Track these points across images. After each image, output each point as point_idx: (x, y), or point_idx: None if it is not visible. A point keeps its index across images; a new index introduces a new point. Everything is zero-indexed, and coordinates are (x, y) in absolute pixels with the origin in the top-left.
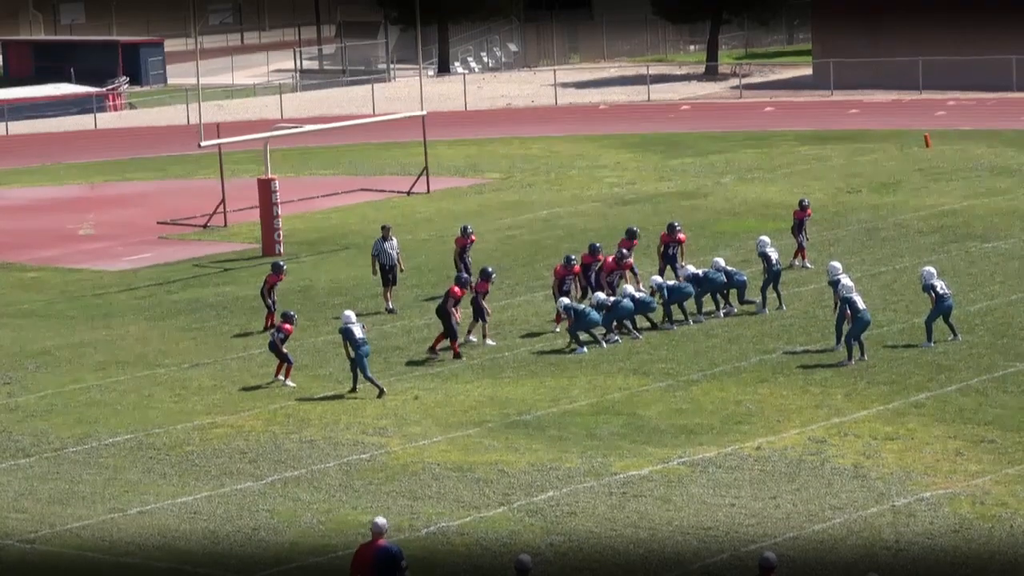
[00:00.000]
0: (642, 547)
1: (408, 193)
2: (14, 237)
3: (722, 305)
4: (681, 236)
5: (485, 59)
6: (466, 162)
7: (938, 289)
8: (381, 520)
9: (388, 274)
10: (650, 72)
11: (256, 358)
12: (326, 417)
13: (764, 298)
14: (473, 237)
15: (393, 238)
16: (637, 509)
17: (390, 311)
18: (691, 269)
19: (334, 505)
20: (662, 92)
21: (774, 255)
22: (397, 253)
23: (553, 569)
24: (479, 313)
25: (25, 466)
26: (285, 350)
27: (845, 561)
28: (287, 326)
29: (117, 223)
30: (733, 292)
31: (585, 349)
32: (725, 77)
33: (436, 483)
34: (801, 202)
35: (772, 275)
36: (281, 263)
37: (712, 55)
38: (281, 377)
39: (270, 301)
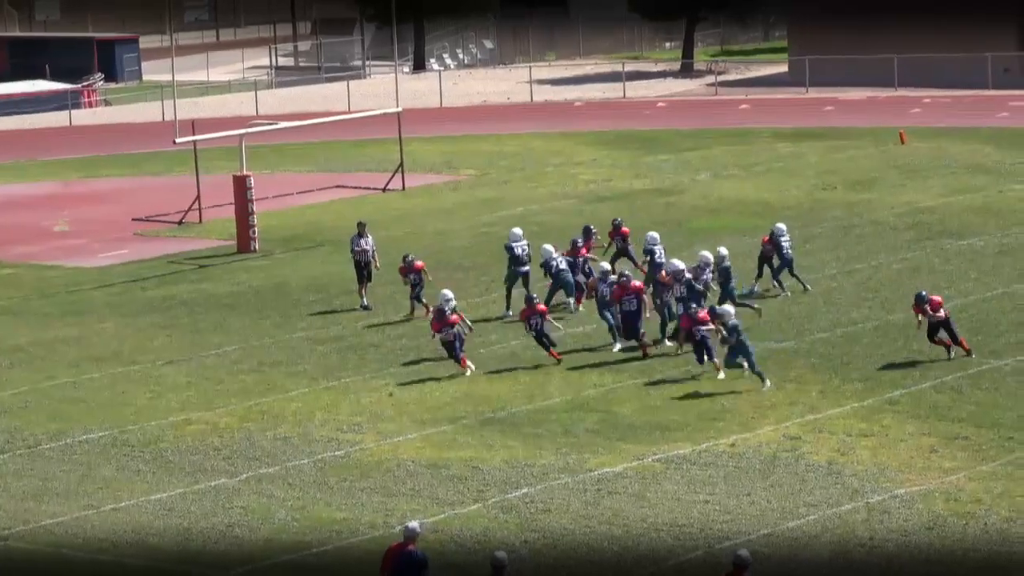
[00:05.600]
0: (616, 544)
1: (384, 190)
2: None
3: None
4: (624, 229)
5: (461, 56)
6: (442, 159)
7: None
8: (413, 524)
9: (363, 271)
10: (626, 69)
11: (230, 355)
12: (300, 414)
13: (781, 283)
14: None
15: (369, 235)
16: (611, 506)
17: (365, 308)
18: (678, 264)
19: (308, 502)
20: (638, 89)
21: (786, 243)
22: (372, 250)
23: (527, 566)
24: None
25: None
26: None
27: (819, 558)
28: (454, 317)
29: (92, 220)
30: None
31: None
32: (701, 74)
33: (411, 480)
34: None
35: (785, 262)
36: (409, 256)
37: (688, 52)
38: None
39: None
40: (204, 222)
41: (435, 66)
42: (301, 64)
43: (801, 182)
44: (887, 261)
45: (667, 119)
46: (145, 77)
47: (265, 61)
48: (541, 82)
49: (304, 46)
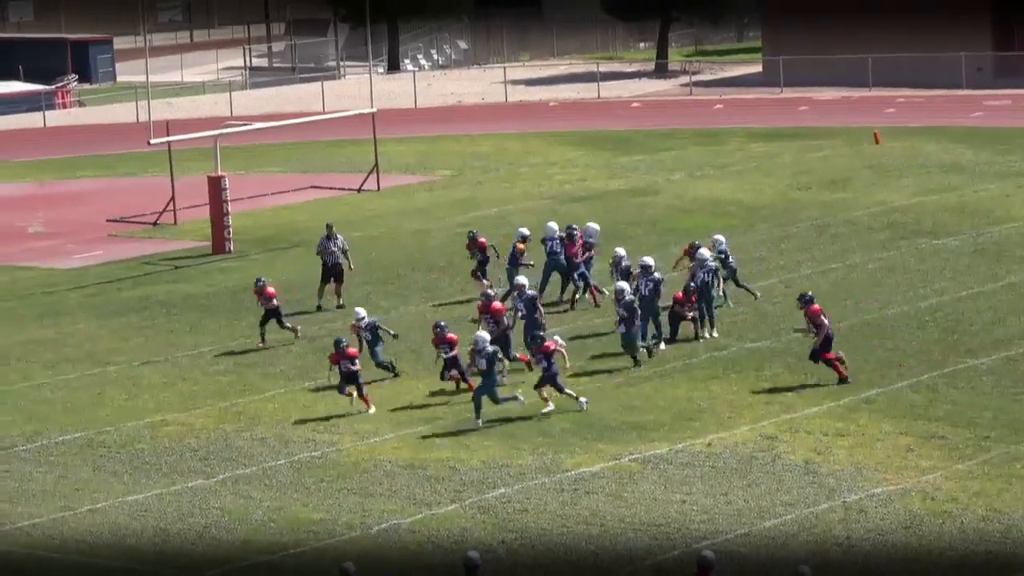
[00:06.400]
0: (594, 544)
1: (359, 191)
2: None
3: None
4: (481, 240)
5: (435, 57)
6: (416, 159)
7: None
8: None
9: (331, 272)
10: (600, 70)
11: (205, 356)
12: (277, 415)
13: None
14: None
15: (338, 236)
16: (589, 506)
17: (339, 307)
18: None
19: (285, 503)
20: (612, 89)
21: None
22: (343, 251)
23: (505, 566)
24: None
25: None
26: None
27: (796, 557)
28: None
29: (67, 221)
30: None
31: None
32: (675, 75)
33: (388, 480)
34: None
35: (730, 272)
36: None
37: (662, 53)
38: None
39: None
40: (179, 223)
41: (409, 67)
42: (275, 65)
43: (775, 182)
44: (862, 261)
45: (641, 119)
46: (119, 78)
47: (239, 62)
48: (515, 82)
49: (278, 47)
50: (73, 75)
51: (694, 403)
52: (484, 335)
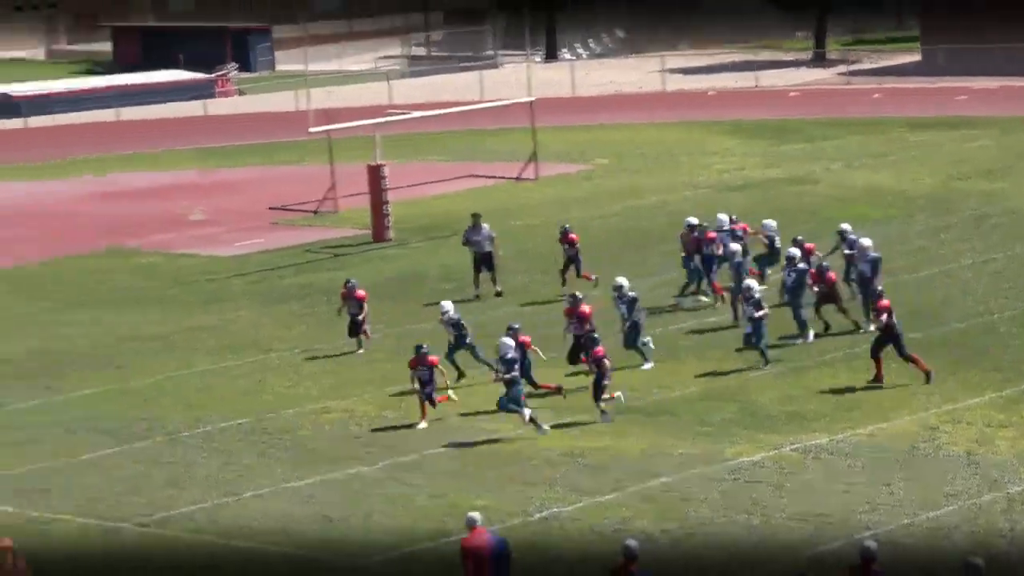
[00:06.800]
0: (755, 534)
1: (516, 179)
2: (126, 222)
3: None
4: (572, 236)
5: (592, 46)
6: (574, 148)
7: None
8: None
9: (481, 261)
10: (758, 59)
11: (367, 343)
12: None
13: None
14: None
15: (484, 225)
16: (749, 495)
17: (498, 295)
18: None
19: (447, 490)
20: (770, 78)
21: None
22: (491, 239)
23: (667, 555)
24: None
25: (140, 450)
26: None
27: (960, 549)
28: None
29: (227, 208)
30: None
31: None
32: (833, 63)
33: (548, 468)
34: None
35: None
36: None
37: (820, 42)
38: None
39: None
40: (339, 211)
41: (567, 56)
42: (434, 54)
43: (934, 171)
44: (1023, 251)
45: (800, 108)
46: (278, 67)
47: (398, 51)
48: (673, 71)
49: (436, 36)
50: (233, 64)
51: (855, 393)
52: (509, 341)
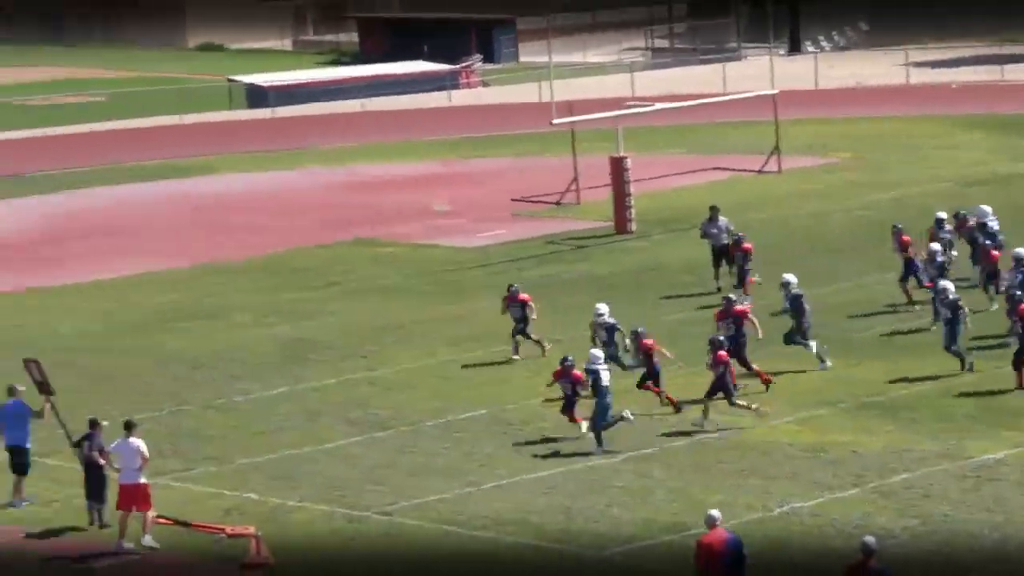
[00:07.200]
0: (998, 531)
1: (759, 172)
2: (370, 212)
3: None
4: (746, 245)
5: (836, 38)
6: (817, 141)
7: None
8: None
9: (719, 254)
10: (1003, 52)
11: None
12: (676, 395)
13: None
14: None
15: (721, 218)
16: (992, 493)
17: (719, 290)
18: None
19: (686, 483)
20: (1016, 72)
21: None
22: (727, 232)
23: (907, 551)
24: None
25: (383, 439)
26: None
27: None
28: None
29: (470, 199)
30: None
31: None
32: None
33: (788, 463)
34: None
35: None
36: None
37: None
38: None
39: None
40: (581, 203)
41: (810, 48)
42: (676, 46)
43: None
44: None
45: None
46: (522, 59)
47: (641, 43)
48: (917, 64)
49: (680, 28)
50: (478, 55)
51: None
52: (598, 353)
